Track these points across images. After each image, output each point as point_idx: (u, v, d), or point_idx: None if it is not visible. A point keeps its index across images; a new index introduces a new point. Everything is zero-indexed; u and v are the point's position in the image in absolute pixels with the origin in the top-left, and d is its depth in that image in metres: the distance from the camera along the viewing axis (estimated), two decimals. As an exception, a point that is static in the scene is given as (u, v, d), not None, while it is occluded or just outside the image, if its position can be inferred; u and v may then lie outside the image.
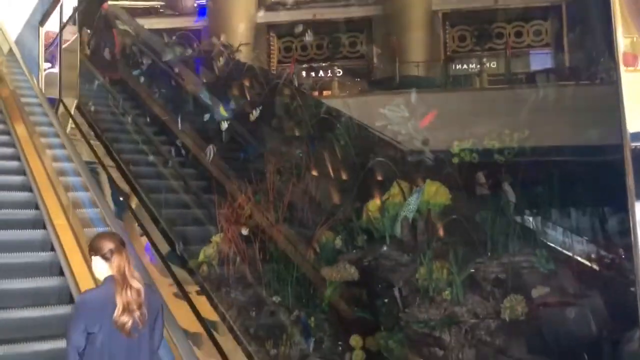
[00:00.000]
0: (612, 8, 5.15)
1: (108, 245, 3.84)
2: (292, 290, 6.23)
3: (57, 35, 9.78)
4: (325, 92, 15.71)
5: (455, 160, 6.33)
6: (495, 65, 18.27)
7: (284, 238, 6.65)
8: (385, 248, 6.18)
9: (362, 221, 6.57)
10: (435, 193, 6.30)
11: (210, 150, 8.16)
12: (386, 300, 5.95)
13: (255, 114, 10.58)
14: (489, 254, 5.88)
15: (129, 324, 3.60)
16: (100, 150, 8.08)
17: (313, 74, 17.77)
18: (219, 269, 6.40)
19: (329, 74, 17.34)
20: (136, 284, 3.78)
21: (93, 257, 3.82)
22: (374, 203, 6.38)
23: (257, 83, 12.14)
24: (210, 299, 6.13)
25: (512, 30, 18.64)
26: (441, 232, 5.76)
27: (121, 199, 8.03)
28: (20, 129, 8.99)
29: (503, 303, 5.15)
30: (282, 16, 17.75)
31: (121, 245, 3.91)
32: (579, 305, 5.06)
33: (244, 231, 6.67)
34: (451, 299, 5.52)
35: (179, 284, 6.37)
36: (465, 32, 18.27)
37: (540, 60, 17.96)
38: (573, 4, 18.64)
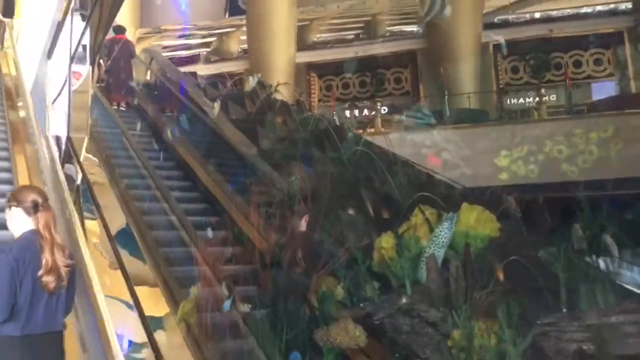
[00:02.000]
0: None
1: (34, 198, 3.53)
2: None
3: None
4: (369, 130, 14.09)
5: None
6: (555, 98, 16.17)
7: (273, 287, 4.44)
8: (404, 300, 3.85)
9: (372, 263, 4.25)
10: (476, 221, 4.01)
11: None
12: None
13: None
14: (565, 309, 3.49)
15: (54, 283, 3.37)
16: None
17: (357, 112, 16.14)
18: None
19: (373, 112, 15.68)
20: (62, 242, 3.56)
21: (13, 208, 3.52)
22: (388, 239, 4.10)
23: (290, 120, 10.45)
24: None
25: (570, 60, 16.60)
26: (487, 277, 3.43)
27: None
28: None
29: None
30: (322, 55, 16.44)
31: (46, 201, 3.60)
32: None
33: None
34: (504, 383, 3.16)
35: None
36: (518, 63, 16.30)
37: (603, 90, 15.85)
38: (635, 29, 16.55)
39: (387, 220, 5.90)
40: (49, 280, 3.35)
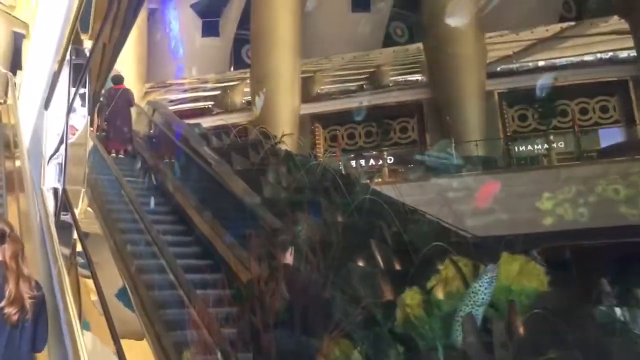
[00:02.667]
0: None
1: (1, 228, 3.37)
2: None
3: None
4: (377, 180, 13.66)
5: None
6: (562, 145, 15.76)
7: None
8: None
9: (396, 323, 3.58)
10: (519, 273, 3.37)
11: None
12: None
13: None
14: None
15: (17, 315, 3.15)
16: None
17: (363, 162, 15.70)
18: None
19: (379, 162, 15.23)
20: (28, 274, 3.33)
21: None
22: (414, 295, 3.45)
23: (295, 169, 10.04)
24: None
25: (577, 108, 16.27)
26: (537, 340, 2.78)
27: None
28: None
29: None
30: (326, 106, 16.09)
31: (13, 231, 3.44)
32: None
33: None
34: None
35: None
36: (525, 111, 15.97)
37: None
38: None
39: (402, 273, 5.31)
40: (11, 312, 3.26)
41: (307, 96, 16.23)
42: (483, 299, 3.39)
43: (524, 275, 3.53)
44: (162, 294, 4.95)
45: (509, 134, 15.24)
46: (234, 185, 8.12)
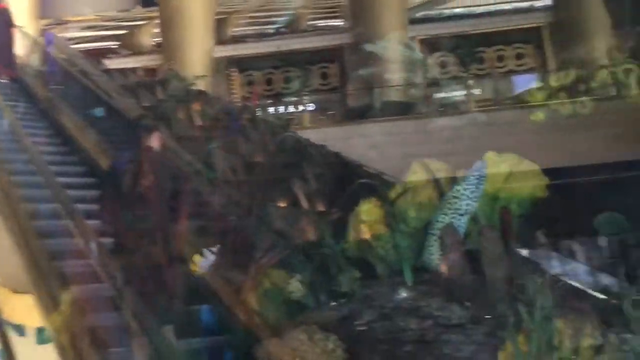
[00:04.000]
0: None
1: None
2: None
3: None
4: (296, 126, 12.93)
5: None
6: (480, 92, 15.69)
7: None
8: (404, 294, 2.42)
9: (347, 245, 2.76)
10: (509, 178, 2.61)
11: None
12: None
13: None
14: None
15: None
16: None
17: (282, 108, 14.85)
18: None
19: (299, 108, 14.43)
20: None
21: None
22: (372, 208, 2.65)
23: (210, 109, 9.35)
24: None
25: (495, 55, 16.24)
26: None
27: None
28: None
29: None
30: (241, 49, 14.99)
31: None
32: None
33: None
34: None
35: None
36: (445, 58, 15.72)
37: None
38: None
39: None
40: None
41: (221, 38, 15.19)
42: (468, 205, 2.64)
43: (515, 178, 2.80)
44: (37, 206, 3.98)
45: (430, 79, 14.91)
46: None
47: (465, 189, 2.68)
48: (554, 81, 14.20)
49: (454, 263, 2.48)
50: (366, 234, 2.80)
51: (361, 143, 12.23)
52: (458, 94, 15.23)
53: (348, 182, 5.38)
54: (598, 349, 1.96)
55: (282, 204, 5.54)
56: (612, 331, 2.12)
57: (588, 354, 1.97)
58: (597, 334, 2.08)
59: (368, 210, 2.82)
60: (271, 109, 14.25)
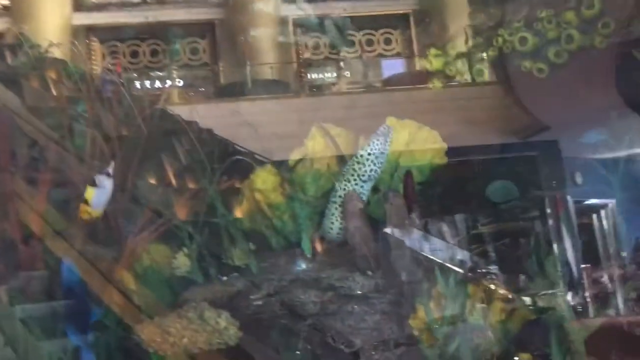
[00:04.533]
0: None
1: None
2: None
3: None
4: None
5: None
6: (349, 74, 16.01)
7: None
8: (302, 266, 2.24)
9: (240, 215, 2.54)
10: (409, 143, 2.53)
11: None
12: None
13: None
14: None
15: None
16: None
17: (148, 82, 14.02)
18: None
19: (167, 83, 13.72)
20: None
21: None
22: (267, 175, 2.44)
23: (68, 79, 8.63)
24: None
25: (364, 39, 16.61)
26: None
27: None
28: None
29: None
30: (104, 18, 13.91)
31: None
32: None
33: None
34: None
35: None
36: (318, 39, 15.79)
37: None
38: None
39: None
40: None
41: (79, 5, 14.03)
42: (372, 171, 2.50)
43: (416, 144, 2.73)
44: None
45: (301, 61, 14.91)
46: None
47: (369, 154, 2.56)
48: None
49: (357, 231, 2.36)
50: (261, 204, 2.59)
51: (233, 121, 11.92)
52: (329, 75, 15.44)
53: (220, 159, 5.22)
54: (510, 313, 1.99)
55: (152, 180, 5.25)
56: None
57: (498, 318, 1.98)
58: (507, 298, 2.12)
59: (264, 178, 2.60)
60: (137, 83, 13.45)
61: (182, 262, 2.60)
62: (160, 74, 14.24)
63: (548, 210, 9.69)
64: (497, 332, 2.15)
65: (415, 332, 1.98)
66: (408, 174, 2.44)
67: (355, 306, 2.22)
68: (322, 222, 2.53)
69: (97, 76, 9.48)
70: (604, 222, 11.52)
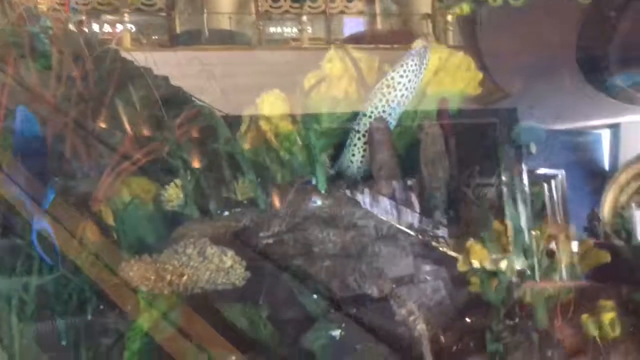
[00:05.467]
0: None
1: None
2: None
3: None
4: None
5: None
6: (311, 30, 15.61)
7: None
8: (318, 202, 1.98)
9: (247, 146, 2.25)
10: (440, 69, 2.24)
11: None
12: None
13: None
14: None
15: None
16: None
17: (97, 26, 13.17)
18: None
19: (118, 27, 12.92)
20: None
21: None
22: (275, 100, 2.15)
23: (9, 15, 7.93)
24: None
25: None
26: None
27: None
28: None
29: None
30: (50, -49, 12.89)
31: None
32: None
33: None
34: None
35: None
36: None
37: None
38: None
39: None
40: None
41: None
42: (403, 96, 2.21)
43: (446, 71, 2.44)
44: None
45: (260, 12, 14.37)
46: None
47: (401, 76, 2.28)
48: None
49: (384, 163, 2.10)
50: (267, 134, 2.29)
51: (188, 70, 11.41)
52: (290, 30, 14.98)
53: (176, 108, 4.96)
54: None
55: (103, 125, 4.94)
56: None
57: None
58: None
59: (271, 103, 2.28)
60: (85, 26, 12.60)
61: (174, 194, 2.27)
62: (111, 17, 13.43)
63: (503, 178, 9.82)
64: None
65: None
66: (443, 100, 2.21)
67: (382, 247, 1.99)
68: (338, 154, 2.27)
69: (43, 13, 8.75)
70: (554, 192, 11.83)
